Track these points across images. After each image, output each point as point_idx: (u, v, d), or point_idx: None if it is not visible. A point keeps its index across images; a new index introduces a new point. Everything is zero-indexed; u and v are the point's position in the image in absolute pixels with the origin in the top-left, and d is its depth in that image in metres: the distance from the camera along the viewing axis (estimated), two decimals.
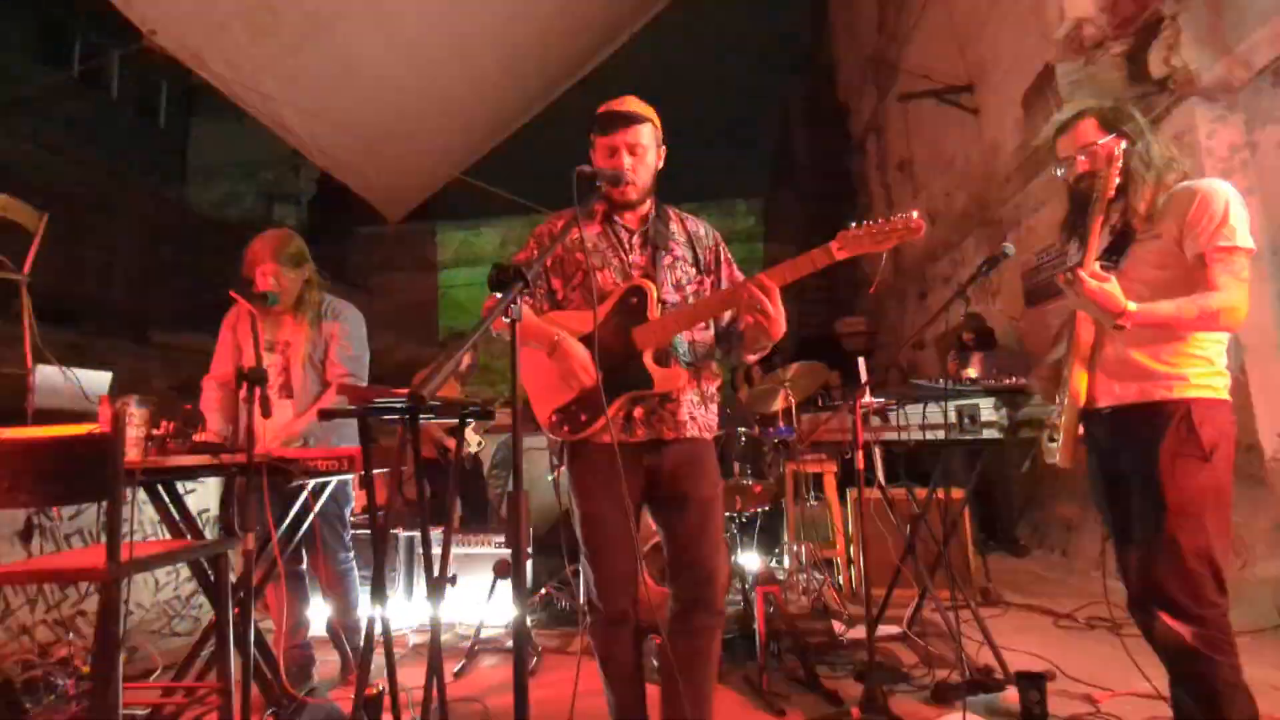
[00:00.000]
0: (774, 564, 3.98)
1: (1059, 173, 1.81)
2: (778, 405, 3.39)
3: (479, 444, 4.63)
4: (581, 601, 3.22)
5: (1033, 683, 2.18)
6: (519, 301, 1.09)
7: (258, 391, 1.60)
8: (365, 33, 6.18)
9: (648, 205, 1.76)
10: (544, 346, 1.62)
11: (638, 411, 1.67)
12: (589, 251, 1.69)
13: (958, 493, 3.17)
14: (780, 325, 1.58)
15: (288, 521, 1.98)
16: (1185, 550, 1.56)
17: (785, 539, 3.67)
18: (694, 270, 1.76)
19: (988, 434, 2.32)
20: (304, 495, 1.95)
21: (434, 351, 4.82)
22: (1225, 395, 1.65)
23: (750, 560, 3.27)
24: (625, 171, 1.65)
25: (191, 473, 1.74)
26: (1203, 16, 3.09)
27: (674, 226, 1.77)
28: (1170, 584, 1.57)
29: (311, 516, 2.04)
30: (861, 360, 2.92)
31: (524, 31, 7.00)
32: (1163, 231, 1.66)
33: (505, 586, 3.02)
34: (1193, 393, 1.62)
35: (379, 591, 1.79)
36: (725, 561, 1.73)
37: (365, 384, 2.26)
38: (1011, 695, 2.24)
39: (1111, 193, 1.65)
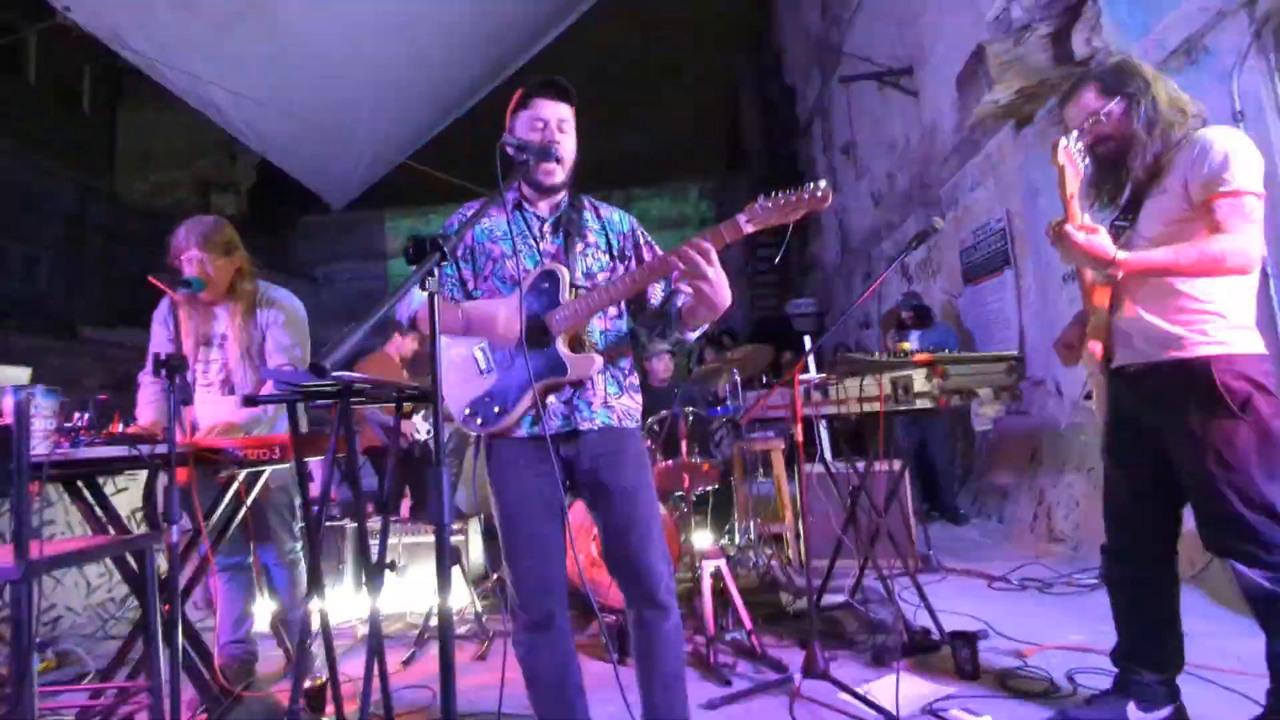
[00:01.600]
0: (724, 540, 4.05)
1: (1073, 144, 1.68)
2: (725, 384, 3.43)
3: (428, 432, 4.55)
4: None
5: (965, 642, 2.28)
6: (437, 272, 1.06)
7: (178, 379, 1.54)
8: (301, 11, 5.92)
9: (563, 194, 1.69)
10: (457, 326, 1.58)
11: (551, 400, 1.59)
12: (497, 239, 1.64)
13: (899, 465, 3.27)
14: (723, 292, 1.48)
15: (219, 513, 1.91)
16: (1241, 505, 1.57)
17: (735, 516, 3.73)
18: (607, 258, 1.69)
19: (921, 404, 2.39)
20: (234, 486, 1.89)
21: (381, 341, 4.70)
22: (1249, 346, 1.63)
23: (701, 538, 3.32)
24: (555, 145, 1.57)
25: (109, 466, 1.67)
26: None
27: (587, 215, 1.70)
28: (1235, 539, 1.59)
29: (244, 508, 1.98)
30: (808, 338, 2.99)
31: (470, 11, 6.83)
32: (1169, 186, 1.66)
33: (454, 573, 3.00)
34: (1211, 349, 1.61)
35: (316, 582, 1.76)
36: (659, 553, 1.62)
37: None
38: (946, 654, 2.35)
39: (1071, 189, 1.64)
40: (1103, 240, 1.59)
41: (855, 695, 2.07)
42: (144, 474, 2.35)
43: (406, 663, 2.74)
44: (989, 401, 2.31)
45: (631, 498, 1.62)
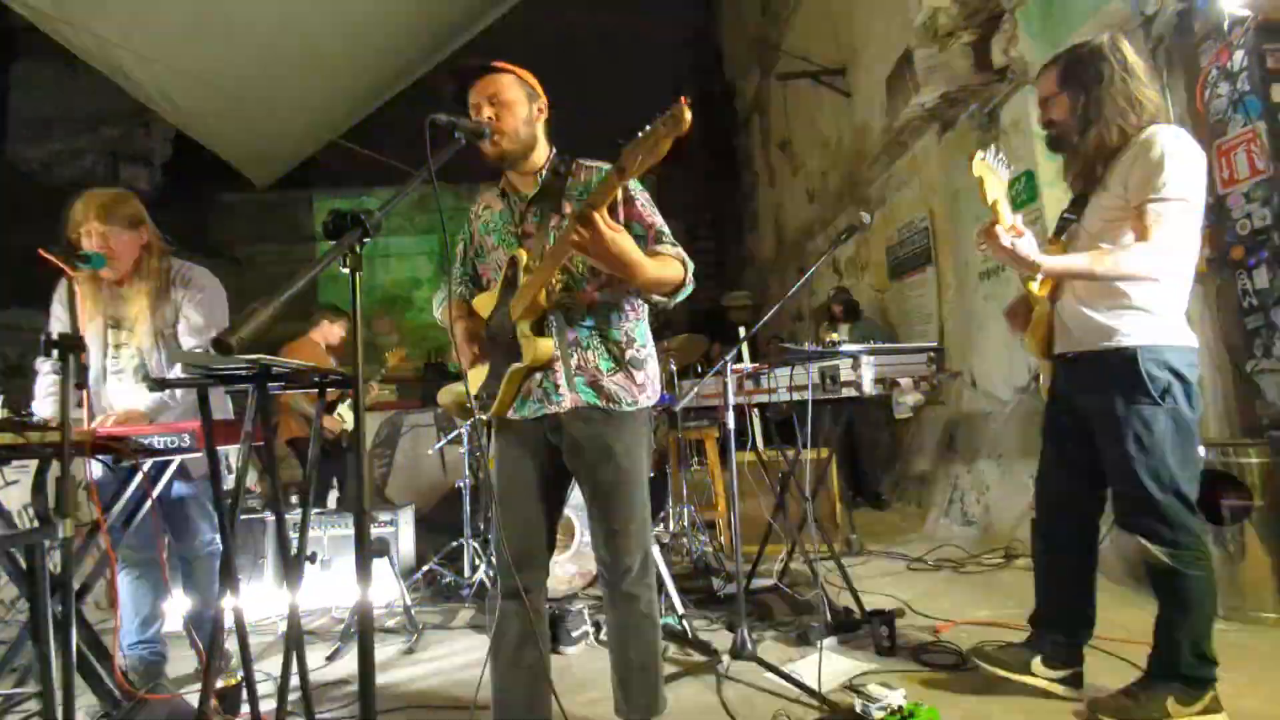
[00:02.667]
0: (659, 528, 4.10)
1: (991, 156, 1.79)
2: (660, 374, 3.46)
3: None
4: (476, 575, 3.15)
5: (883, 619, 2.40)
6: (359, 250, 1.03)
7: (71, 361, 1.43)
8: None
9: (541, 159, 1.67)
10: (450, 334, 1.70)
11: (527, 388, 1.65)
12: (492, 231, 1.70)
13: (826, 453, 3.39)
14: (620, 261, 1.40)
15: (121, 506, 1.80)
16: (1152, 487, 1.70)
17: (670, 503, 3.78)
18: None
19: (847, 393, 2.48)
20: (139, 477, 1.77)
21: (306, 327, 4.51)
22: (1175, 338, 1.72)
23: None
24: (486, 124, 1.55)
25: None
26: (1036, 12, 3.40)
27: (570, 181, 1.65)
28: (1145, 518, 1.73)
29: (150, 501, 1.86)
30: (742, 330, 3.03)
31: None
32: (1113, 183, 1.73)
33: (382, 565, 2.93)
34: (1138, 339, 1.71)
35: (228, 577, 1.68)
36: (631, 545, 1.63)
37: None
38: (867, 632, 2.46)
39: (991, 198, 1.71)
40: (1027, 245, 1.67)
41: (780, 674, 2.14)
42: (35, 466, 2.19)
43: (330, 658, 2.66)
44: (909, 391, 2.42)
45: (608, 495, 1.63)
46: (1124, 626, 2.29)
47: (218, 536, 2.35)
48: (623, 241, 1.41)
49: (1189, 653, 1.72)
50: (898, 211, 5.40)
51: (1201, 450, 2.56)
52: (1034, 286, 1.88)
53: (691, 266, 1.63)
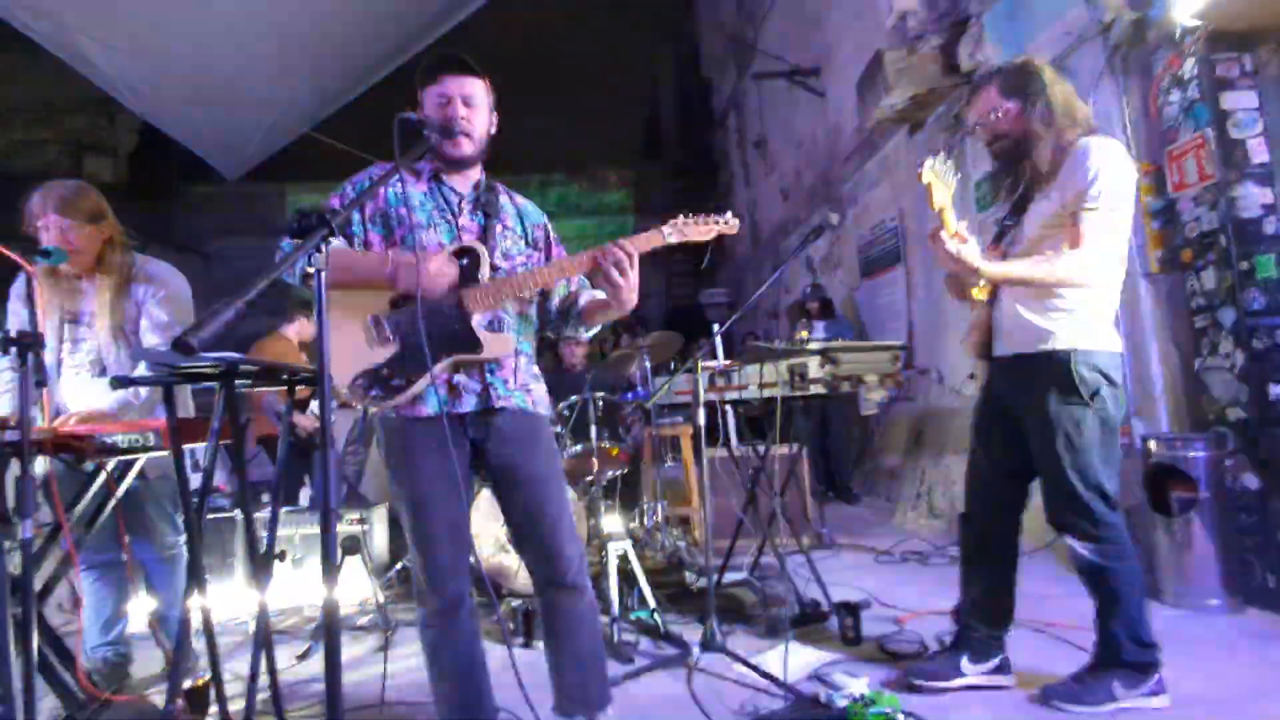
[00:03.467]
0: (634, 523, 4.13)
1: (939, 163, 1.81)
2: (634, 370, 3.49)
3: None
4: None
5: (849, 611, 2.46)
6: (324, 249, 1.03)
7: (31, 359, 1.41)
8: None
9: (479, 172, 1.69)
10: (376, 275, 1.50)
11: (460, 378, 1.57)
12: (414, 208, 1.58)
13: (797, 448, 3.45)
14: (634, 295, 1.59)
15: (83, 506, 1.77)
16: (1080, 485, 1.78)
17: (644, 499, 3.81)
18: (523, 243, 1.71)
19: (815, 389, 2.53)
20: (102, 476, 1.75)
21: (280, 323, 4.45)
22: (1105, 343, 1.81)
23: (609, 521, 3.38)
24: (459, 120, 1.56)
25: None
26: (1001, 18, 3.49)
27: (503, 199, 1.72)
28: (1071, 515, 1.80)
29: (113, 500, 1.84)
30: (716, 327, 3.08)
31: None
32: (1050, 192, 1.81)
33: (354, 563, 2.92)
34: (1072, 343, 1.78)
35: (197, 576, 1.67)
36: (570, 536, 1.64)
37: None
38: (834, 624, 2.52)
39: (939, 205, 1.76)
40: (970, 251, 1.74)
41: (748, 665, 2.19)
42: None
43: (302, 657, 2.64)
44: (875, 388, 2.48)
45: (543, 484, 1.63)
46: (1080, 614, 2.37)
47: (180, 539, 2.32)
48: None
49: (1128, 640, 1.81)
50: (869, 211, 5.49)
51: (1153, 444, 2.67)
52: (975, 291, 1.94)
53: None
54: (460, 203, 1.65)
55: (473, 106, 1.60)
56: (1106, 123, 3.07)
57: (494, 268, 1.61)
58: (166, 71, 6.06)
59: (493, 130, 1.67)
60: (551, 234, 1.79)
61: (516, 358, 1.64)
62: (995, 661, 2.02)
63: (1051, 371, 1.80)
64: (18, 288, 2.13)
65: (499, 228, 1.65)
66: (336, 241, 1.54)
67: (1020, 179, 1.89)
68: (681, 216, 1.64)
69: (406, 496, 1.57)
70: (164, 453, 1.76)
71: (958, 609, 2.12)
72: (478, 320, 1.56)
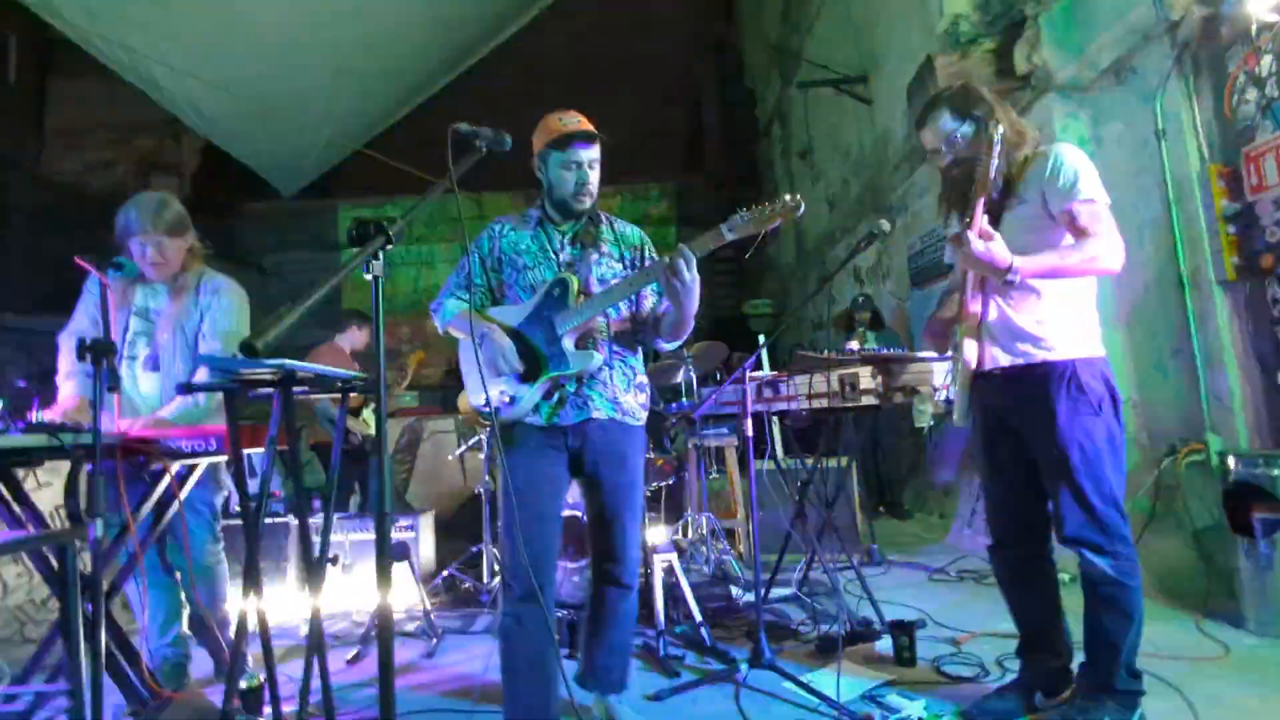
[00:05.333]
0: (677, 535, 4.09)
1: (933, 158, 1.91)
2: (679, 380, 3.47)
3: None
4: (495, 581, 3.18)
5: (904, 630, 2.37)
6: (380, 257, 1.06)
7: (105, 365, 1.47)
8: None
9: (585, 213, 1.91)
10: (474, 338, 1.77)
11: (560, 395, 1.80)
12: (521, 253, 1.87)
13: (846, 461, 3.37)
14: (694, 299, 1.73)
15: (148, 507, 1.83)
16: (1094, 498, 1.72)
17: (688, 511, 3.77)
18: (620, 266, 1.90)
19: (866, 401, 2.46)
20: (167, 480, 1.81)
21: (333, 333, 4.58)
22: (1101, 351, 1.80)
23: (654, 533, 3.35)
24: (587, 186, 1.83)
25: (25, 456, 1.58)
26: (1059, 19, 3.37)
27: (603, 227, 1.92)
28: (1086, 529, 1.73)
29: (177, 503, 1.90)
30: (761, 337, 3.03)
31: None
32: (1027, 197, 1.79)
33: (401, 570, 2.95)
34: (1075, 353, 1.75)
35: (253, 579, 1.70)
36: (635, 542, 1.88)
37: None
38: (887, 643, 2.43)
39: (992, 174, 1.73)
40: (1000, 248, 1.68)
41: (799, 684, 2.12)
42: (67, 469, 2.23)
43: (351, 661, 2.68)
44: (929, 400, 2.40)
45: (623, 493, 1.85)
46: (1150, 641, 2.24)
47: (219, 546, 2.38)
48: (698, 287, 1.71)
49: (1123, 667, 1.73)
50: (920, 219, 5.35)
51: (1231, 461, 2.51)
52: (970, 303, 1.86)
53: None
54: (562, 240, 1.89)
55: (594, 169, 1.85)
56: (1175, 126, 2.93)
57: (582, 293, 1.80)
58: (228, 93, 6.36)
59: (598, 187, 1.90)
60: (650, 252, 1.96)
61: (610, 371, 1.84)
62: (1066, 694, 1.90)
63: (1058, 382, 1.74)
64: (92, 293, 2.23)
65: (594, 256, 1.87)
66: (451, 302, 1.91)
67: (974, 196, 1.80)
68: (741, 211, 1.70)
69: (513, 489, 1.75)
70: (221, 458, 1.82)
71: (1019, 646, 2.01)
72: (569, 341, 1.78)
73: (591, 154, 1.84)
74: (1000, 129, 1.74)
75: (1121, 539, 1.73)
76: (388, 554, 1.01)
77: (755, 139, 10.49)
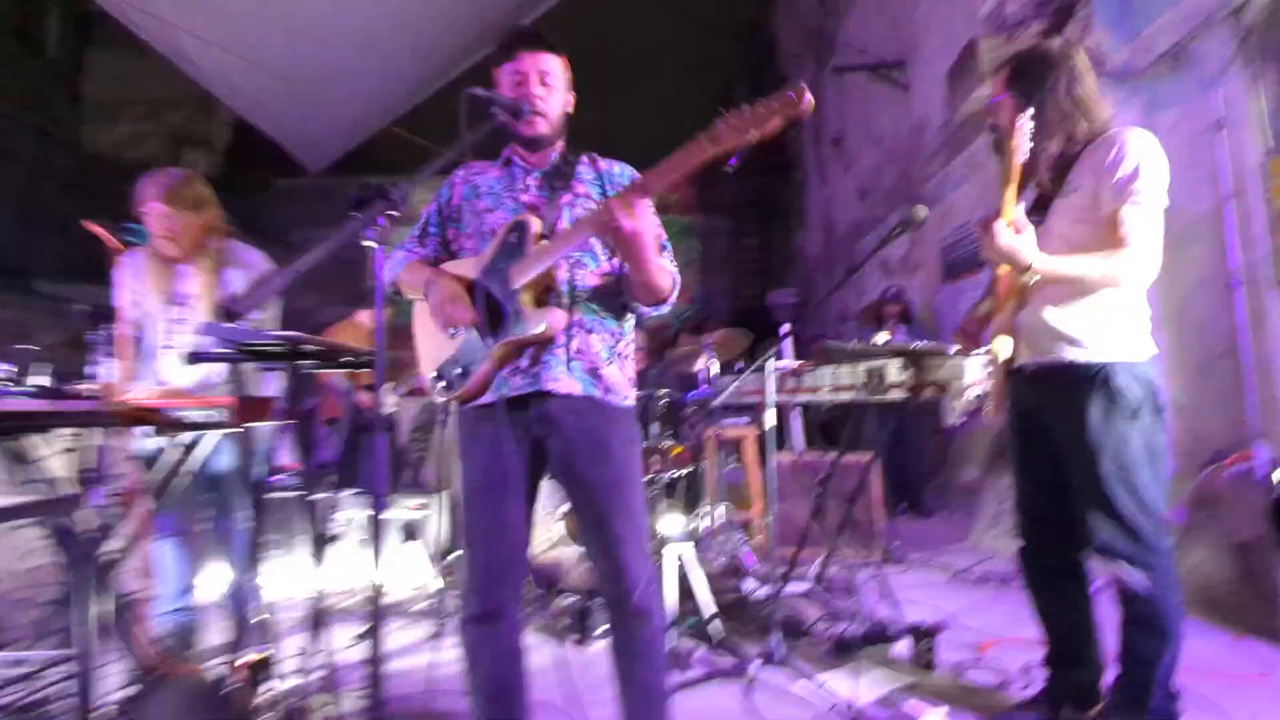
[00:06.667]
0: (692, 526, 4.03)
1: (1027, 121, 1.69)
2: (699, 367, 3.39)
3: (394, 406, 4.46)
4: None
5: (924, 634, 2.29)
6: (384, 223, 0.99)
7: (105, 332, 1.44)
8: None
9: (553, 149, 1.59)
10: (420, 290, 1.51)
11: (524, 362, 1.47)
12: (483, 194, 1.56)
13: (868, 456, 3.27)
14: (644, 247, 1.36)
15: (156, 476, 1.82)
16: (1128, 508, 1.61)
17: (705, 501, 3.71)
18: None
19: (894, 395, 2.37)
20: (170, 448, 1.79)
21: (352, 312, 4.57)
22: (1146, 351, 1.67)
23: (668, 522, 3.29)
24: (534, 100, 1.47)
25: (31, 421, 1.57)
26: (1113, 1, 3.20)
27: (582, 166, 1.59)
28: (1119, 539, 1.62)
29: (188, 470, 1.88)
30: (785, 327, 2.94)
31: None
32: (1081, 184, 1.65)
33: (414, 549, 2.93)
34: (1111, 354, 1.64)
35: (259, 554, 1.68)
36: (638, 552, 1.48)
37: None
38: (906, 645, 2.35)
39: (1019, 160, 1.61)
40: (1026, 243, 1.57)
41: (814, 684, 2.06)
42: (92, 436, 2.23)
43: (361, 637, 2.67)
44: (959, 396, 2.30)
45: (608, 494, 1.48)
46: (1185, 656, 2.13)
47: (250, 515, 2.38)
48: (655, 232, 1.37)
49: (1158, 687, 1.62)
50: (954, 211, 5.19)
51: (1271, 472, 2.37)
52: (1005, 294, 1.74)
53: (677, 290, 1.54)
54: (526, 179, 1.57)
55: (548, 85, 1.51)
56: (1235, 115, 2.76)
57: (541, 238, 1.47)
58: (258, 67, 6.36)
59: (569, 110, 1.59)
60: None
61: (586, 335, 1.50)
62: (1096, 709, 1.81)
63: (1091, 383, 1.63)
64: (126, 266, 2.24)
65: (567, 196, 1.53)
66: (399, 254, 1.61)
67: (1032, 176, 1.70)
68: (726, 115, 1.31)
69: (464, 490, 1.52)
70: (235, 430, 1.79)
71: (1046, 657, 1.91)
72: (528, 297, 1.45)
73: (541, 64, 1.49)
74: (1030, 112, 1.62)
75: (1159, 552, 1.63)
76: (380, 534, 0.96)
77: (786, 125, 10.29)
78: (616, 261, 1.54)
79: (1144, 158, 1.58)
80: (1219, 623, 2.57)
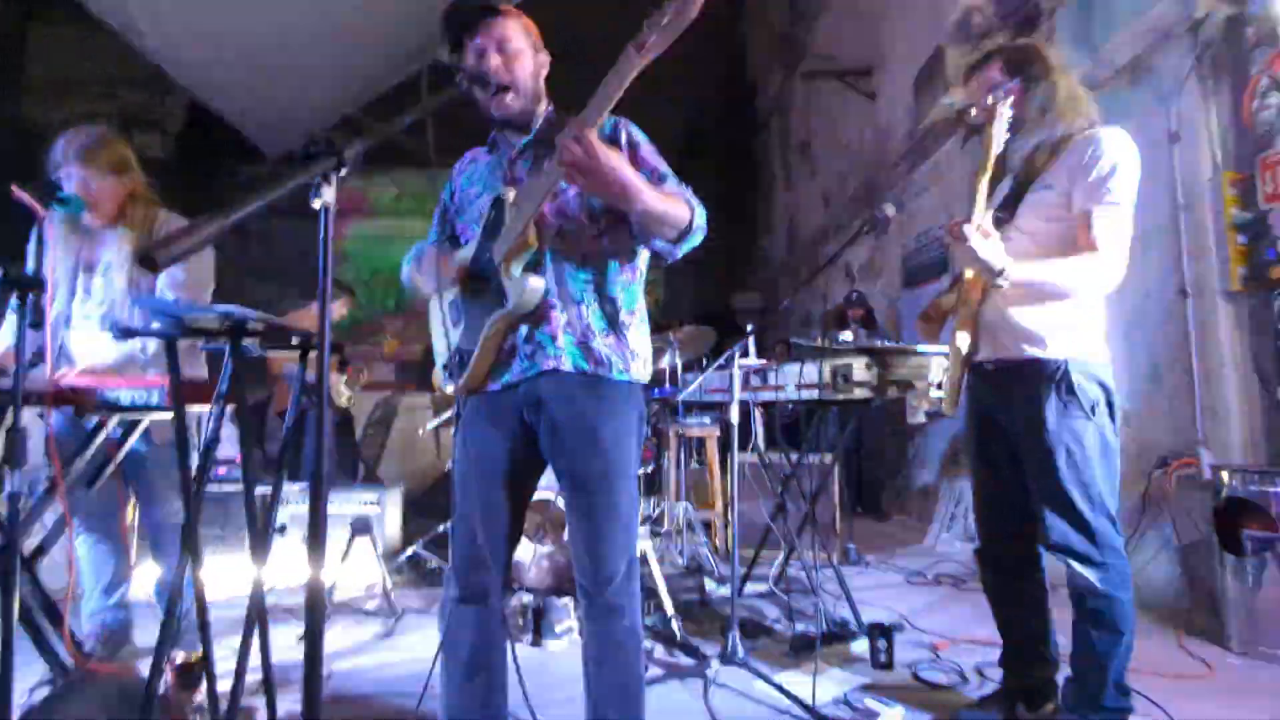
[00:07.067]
0: (653, 524, 3.99)
1: (971, 113, 1.71)
2: (664, 364, 3.36)
3: (348, 398, 4.32)
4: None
5: (882, 633, 2.28)
6: (333, 182, 0.92)
7: (29, 300, 1.32)
8: None
9: (535, 120, 1.49)
10: (431, 277, 1.49)
11: (511, 347, 1.41)
12: (475, 181, 1.53)
13: (829, 457, 3.28)
14: (618, 175, 1.24)
15: (83, 464, 1.69)
16: (1082, 505, 1.62)
17: (667, 499, 3.68)
18: None
19: (859, 394, 2.36)
20: (102, 434, 1.67)
21: (310, 304, 4.42)
22: (1103, 352, 1.69)
23: None
24: (496, 71, 1.38)
25: None
26: (1077, 13, 3.28)
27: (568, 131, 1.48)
28: (1074, 537, 1.63)
29: (115, 461, 1.76)
30: (749, 326, 2.93)
31: None
32: (1055, 181, 1.64)
33: (364, 546, 2.82)
34: (1070, 352, 1.64)
35: (192, 549, 1.57)
36: (619, 547, 1.41)
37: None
38: (864, 645, 2.34)
39: (995, 149, 1.61)
40: (996, 248, 1.56)
41: (771, 683, 2.03)
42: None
43: (303, 638, 2.55)
44: (924, 396, 2.31)
45: (596, 485, 1.40)
46: (1133, 657, 2.17)
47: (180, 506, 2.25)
48: (617, 161, 1.24)
49: (1111, 684, 1.64)
50: (916, 218, 5.28)
51: (1226, 476, 2.45)
52: (970, 289, 1.75)
53: (701, 211, 1.40)
54: (515, 154, 1.49)
55: (507, 52, 1.41)
56: (1190, 129, 2.85)
57: (515, 207, 1.39)
58: (215, 47, 6.10)
59: (544, 71, 1.50)
60: (629, 138, 1.45)
61: (575, 306, 1.41)
62: (1050, 707, 1.82)
63: (1047, 381, 1.64)
64: (36, 232, 2.07)
65: (549, 164, 1.36)
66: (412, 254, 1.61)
67: (1005, 164, 1.72)
68: (645, 25, 1.19)
69: (456, 474, 1.53)
70: (168, 414, 1.67)
71: (1002, 656, 1.92)
72: (516, 269, 1.36)
73: (496, 30, 1.40)
74: (1010, 101, 1.62)
75: (1112, 549, 1.64)
76: (322, 523, 0.89)
77: (754, 130, 10.37)
78: (604, 223, 1.44)
79: (1120, 158, 1.57)
80: (1164, 623, 2.64)
